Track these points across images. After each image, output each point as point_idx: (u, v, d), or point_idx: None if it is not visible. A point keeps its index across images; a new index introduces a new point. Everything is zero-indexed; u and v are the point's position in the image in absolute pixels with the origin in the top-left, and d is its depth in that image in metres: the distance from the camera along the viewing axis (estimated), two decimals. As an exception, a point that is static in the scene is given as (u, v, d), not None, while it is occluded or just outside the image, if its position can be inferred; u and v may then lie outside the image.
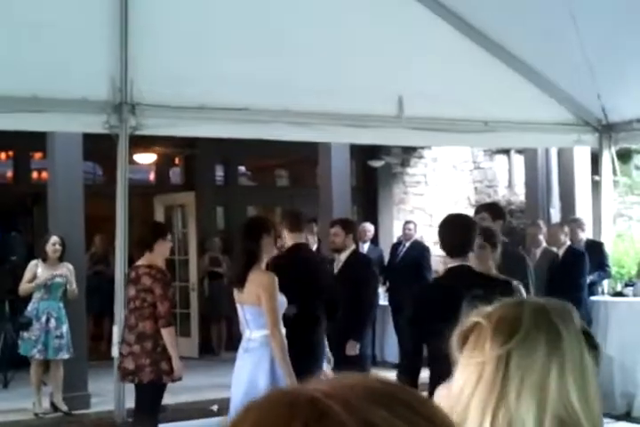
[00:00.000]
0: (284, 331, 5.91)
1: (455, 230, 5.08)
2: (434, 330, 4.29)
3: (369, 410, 0.77)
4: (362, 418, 0.76)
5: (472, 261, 5.03)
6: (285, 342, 5.89)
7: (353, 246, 7.58)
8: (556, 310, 1.50)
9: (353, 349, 7.63)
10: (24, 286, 9.14)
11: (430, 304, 4.92)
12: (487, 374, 1.43)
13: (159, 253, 6.96)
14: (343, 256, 7.53)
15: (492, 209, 7.03)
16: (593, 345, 1.50)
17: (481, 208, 7.19)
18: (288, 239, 6.87)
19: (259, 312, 5.88)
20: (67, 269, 9.15)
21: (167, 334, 6.71)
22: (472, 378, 1.44)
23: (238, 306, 6.00)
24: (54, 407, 9.38)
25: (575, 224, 10.54)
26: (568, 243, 9.54)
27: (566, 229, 10.10)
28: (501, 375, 1.42)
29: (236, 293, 5.98)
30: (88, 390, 9.78)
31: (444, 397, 1.58)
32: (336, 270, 7.44)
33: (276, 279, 5.97)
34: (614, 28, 6.11)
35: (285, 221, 6.89)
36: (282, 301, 6.05)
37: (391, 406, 0.79)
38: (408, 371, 5.17)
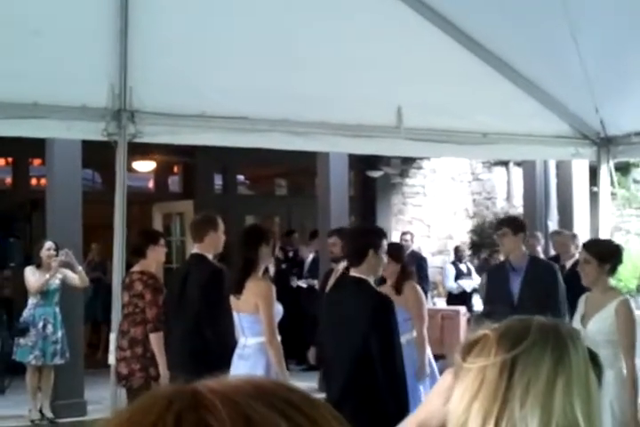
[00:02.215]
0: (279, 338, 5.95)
1: None
2: None
3: (248, 405, 0.78)
4: (239, 411, 0.77)
5: None
6: (282, 349, 5.93)
7: None
8: (564, 327, 1.51)
9: None
10: (37, 285, 9.11)
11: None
12: (490, 379, 1.42)
13: (152, 259, 7.15)
14: (342, 266, 7.51)
15: (513, 224, 7.18)
16: (597, 364, 1.50)
17: (502, 223, 7.36)
18: None
19: (255, 320, 5.91)
20: (60, 273, 9.13)
21: (155, 340, 6.78)
22: (474, 383, 1.43)
23: (234, 313, 6.02)
24: (42, 414, 9.37)
25: (561, 237, 10.55)
26: (577, 255, 9.55)
27: (578, 240, 10.12)
28: (505, 382, 1.41)
29: (232, 300, 6.00)
30: (84, 398, 9.77)
31: (447, 384, 1.57)
32: (334, 280, 7.41)
33: (274, 287, 6.01)
34: (614, 42, 6.12)
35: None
36: (278, 309, 6.09)
37: (275, 404, 0.79)
38: None
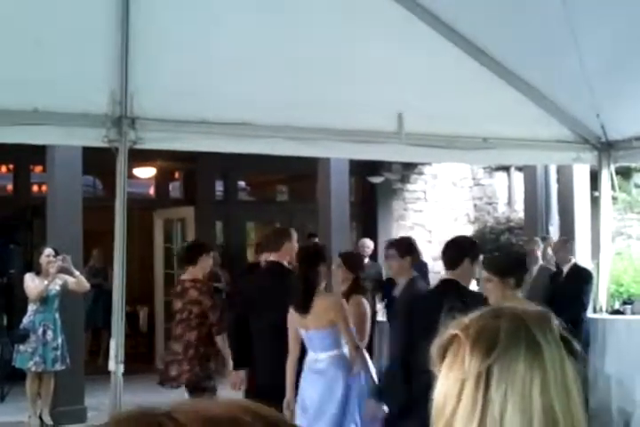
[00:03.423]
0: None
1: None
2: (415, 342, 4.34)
3: None
4: None
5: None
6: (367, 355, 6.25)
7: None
8: (533, 320, 1.49)
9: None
10: (36, 292, 9.10)
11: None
12: (468, 392, 1.41)
13: (201, 268, 7.57)
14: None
15: (399, 246, 7.02)
16: (572, 351, 1.49)
17: (390, 245, 7.20)
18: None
19: (326, 335, 6.06)
20: (60, 279, 9.12)
21: (221, 341, 7.25)
22: (453, 394, 1.43)
23: (301, 330, 6.12)
24: (41, 421, 9.36)
25: (547, 243, 10.57)
26: (574, 260, 9.56)
27: (574, 245, 10.15)
28: (482, 392, 1.41)
29: (297, 318, 6.09)
30: (84, 404, 9.75)
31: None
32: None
33: (342, 299, 6.14)
34: (614, 47, 6.13)
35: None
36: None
37: None
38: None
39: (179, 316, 7.38)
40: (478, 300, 5.03)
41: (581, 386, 1.46)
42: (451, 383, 1.43)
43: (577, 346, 1.49)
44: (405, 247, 7.02)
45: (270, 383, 6.38)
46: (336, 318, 5.96)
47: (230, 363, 7.07)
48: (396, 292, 7.01)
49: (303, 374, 6.17)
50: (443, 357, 1.47)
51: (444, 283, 5.38)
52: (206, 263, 7.62)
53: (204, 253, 7.60)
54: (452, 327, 1.48)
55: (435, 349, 1.48)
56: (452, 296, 4.81)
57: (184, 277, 7.56)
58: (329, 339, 6.04)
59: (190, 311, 7.30)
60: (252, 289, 7.04)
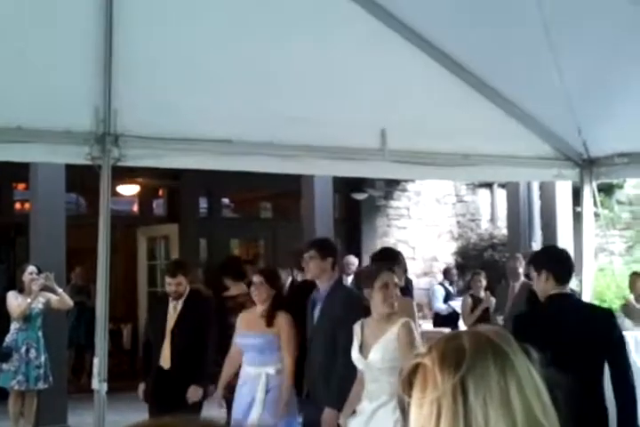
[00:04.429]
0: None
1: None
2: None
3: None
4: None
5: None
6: None
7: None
8: (492, 332, 1.51)
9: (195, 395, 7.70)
10: (19, 310, 9.06)
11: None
12: (446, 407, 1.42)
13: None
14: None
15: (320, 247, 6.88)
16: (530, 355, 1.51)
17: (309, 246, 7.00)
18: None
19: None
20: (43, 297, 9.10)
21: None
22: (432, 416, 1.43)
23: None
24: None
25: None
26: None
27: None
28: (462, 403, 1.41)
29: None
30: (68, 423, 9.70)
31: None
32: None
33: (414, 304, 6.37)
34: (596, 63, 6.17)
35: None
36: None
37: None
38: None
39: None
40: None
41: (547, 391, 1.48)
42: (426, 408, 1.43)
43: (535, 354, 1.51)
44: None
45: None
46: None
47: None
48: (322, 293, 6.74)
49: None
50: (410, 387, 1.47)
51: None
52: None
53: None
54: (412, 359, 1.49)
55: (400, 381, 1.49)
56: None
57: (232, 292, 7.93)
58: None
59: None
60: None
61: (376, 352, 5.62)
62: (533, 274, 5.37)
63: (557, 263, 5.34)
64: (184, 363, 7.54)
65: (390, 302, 5.69)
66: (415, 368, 1.47)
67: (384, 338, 5.61)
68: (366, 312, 5.91)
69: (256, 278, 7.03)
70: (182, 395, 7.40)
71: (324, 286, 6.69)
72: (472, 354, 1.44)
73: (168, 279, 7.74)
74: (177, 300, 7.74)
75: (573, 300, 5.43)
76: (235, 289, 7.84)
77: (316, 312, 6.70)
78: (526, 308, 8.97)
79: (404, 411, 1.50)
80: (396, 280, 5.86)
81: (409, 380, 1.47)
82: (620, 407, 5.06)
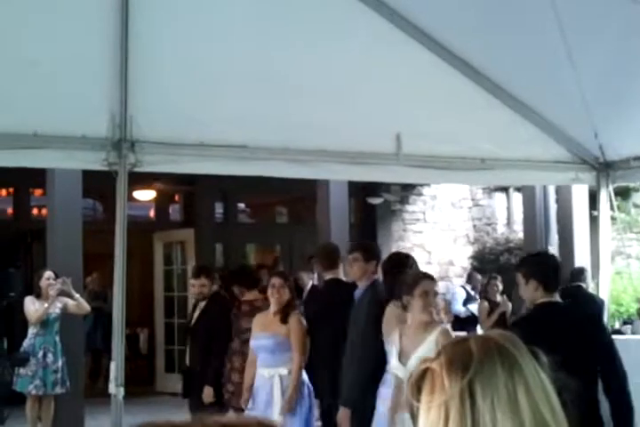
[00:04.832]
0: None
1: None
2: None
3: None
4: None
5: None
6: None
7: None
8: (500, 335, 1.51)
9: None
10: (37, 315, 9.11)
11: None
12: (454, 410, 1.41)
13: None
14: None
15: (364, 249, 6.95)
16: (539, 359, 1.51)
17: (353, 248, 7.07)
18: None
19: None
20: (60, 302, 9.13)
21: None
22: (439, 419, 1.43)
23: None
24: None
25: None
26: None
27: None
28: (469, 407, 1.41)
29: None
30: (84, 428, 9.72)
31: None
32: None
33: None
34: (611, 66, 6.15)
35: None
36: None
37: None
38: None
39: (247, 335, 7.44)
40: None
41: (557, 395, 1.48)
42: (434, 412, 1.43)
43: (544, 358, 1.51)
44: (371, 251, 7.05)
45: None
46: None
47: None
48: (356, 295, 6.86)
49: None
50: (419, 392, 1.47)
51: None
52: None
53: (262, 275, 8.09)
54: (421, 365, 1.49)
55: (409, 387, 1.49)
56: None
57: (248, 297, 7.85)
58: None
59: None
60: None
61: (416, 360, 5.57)
62: (520, 280, 5.28)
63: (547, 272, 5.27)
64: (201, 362, 7.80)
65: (429, 311, 5.66)
66: (424, 373, 1.47)
67: (423, 346, 5.56)
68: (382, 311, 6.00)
69: (276, 281, 7.10)
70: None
71: (362, 287, 6.78)
72: (479, 357, 1.44)
73: (191, 281, 8.18)
74: (201, 301, 8.11)
75: (561, 307, 5.35)
76: (250, 295, 7.89)
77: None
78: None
79: (413, 416, 1.50)
80: (437, 288, 5.88)
81: (417, 385, 1.47)
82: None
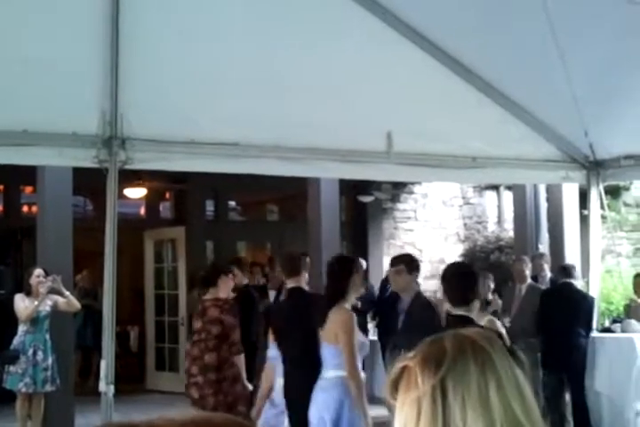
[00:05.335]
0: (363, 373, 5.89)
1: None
2: None
3: None
4: None
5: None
6: (363, 382, 5.86)
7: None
8: (475, 333, 1.51)
9: None
10: (26, 313, 9.08)
11: None
12: (426, 407, 1.42)
13: (223, 288, 7.70)
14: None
15: (408, 262, 7.00)
16: (518, 359, 1.51)
17: (397, 261, 7.10)
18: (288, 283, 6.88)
19: (335, 352, 5.83)
20: (50, 299, 9.11)
21: (240, 361, 7.34)
22: (412, 415, 1.43)
23: (322, 343, 5.98)
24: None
25: (541, 259, 10.57)
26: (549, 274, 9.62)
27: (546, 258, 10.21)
28: (441, 404, 1.41)
29: (319, 329, 5.97)
30: (75, 425, 9.70)
31: None
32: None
33: (355, 318, 5.97)
34: (601, 66, 6.17)
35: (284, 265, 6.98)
36: (364, 343, 6.05)
37: None
38: None
39: (196, 336, 7.46)
40: None
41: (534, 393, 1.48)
42: (407, 408, 1.44)
43: (521, 356, 1.51)
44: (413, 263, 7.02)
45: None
46: (340, 334, 5.78)
47: (247, 384, 7.31)
48: (403, 306, 6.89)
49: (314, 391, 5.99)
50: (395, 390, 1.48)
51: None
52: (227, 284, 7.78)
53: (222, 274, 7.76)
54: (399, 362, 1.50)
55: (387, 384, 1.49)
56: None
57: (206, 297, 7.71)
58: (339, 357, 5.80)
59: (209, 332, 7.36)
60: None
61: None
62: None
63: (450, 286, 5.23)
64: None
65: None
66: (402, 371, 1.48)
67: None
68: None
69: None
70: None
71: (406, 297, 6.83)
72: (453, 355, 1.44)
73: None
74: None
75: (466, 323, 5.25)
76: (209, 294, 7.77)
77: (400, 322, 6.82)
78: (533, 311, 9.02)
79: (392, 413, 1.50)
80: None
81: (395, 382, 1.48)
82: None
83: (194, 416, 0.88)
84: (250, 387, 7.43)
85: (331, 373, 5.90)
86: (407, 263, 6.91)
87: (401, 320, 6.83)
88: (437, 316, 6.24)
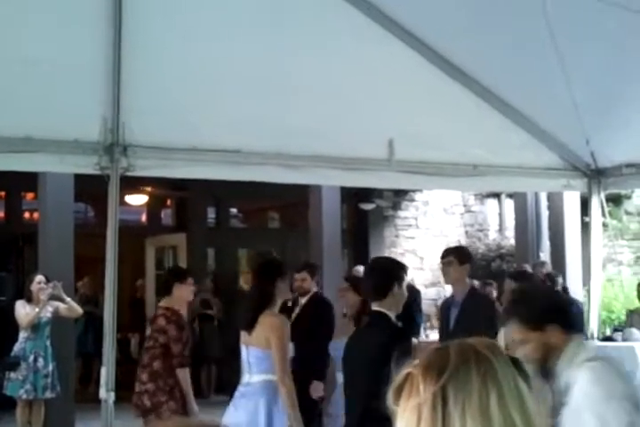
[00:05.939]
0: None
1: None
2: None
3: None
4: None
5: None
6: (294, 389, 5.75)
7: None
8: (480, 343, 1.52)
9: (318, 390, 7.55)
10: (27, 319, 9.09)
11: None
12: (426, 414, 1.42)
13: (178, 297, 7.32)
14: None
15: (458, 253, 6.93)
16: (522, 371, 1.51)
17: (447, 252, 7.04)
18: None
19: (263, 356, 5.78)
20: (51, 306, 9.12)
21: (182, 374, 7.02)
22: (412, 421, 1.44)
23: (243, 347, 5.92)
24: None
25: (542, 267, 10.57)
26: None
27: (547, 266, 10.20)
28: (441, 411, 1.42)
29: (243, 333, 5.91)
30: (75, 433, 9.70)
31: None
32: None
33: (288, 323, 5.94)
34: (603, 72, 6.17)
35: None
36: (290, 347, 6.00)
37: None
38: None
39: (146, 343, 7.30)
40: None
41: (537, 403, 1.48)
42: (408, 414, 1.44)
43: (525, 366, 1.52)
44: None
45: None
46: (272, 339, 5.71)
47: (191, 399, 6.99)
48: (458, 298, 6.73)
49: (234, 397, 5.94)
50: (399, 396, 1.48)
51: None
52: (181, 292, 7.32)
53: (177, 281, 7.29)
54: (404, 369, 1.50)
55: (391, 391, 1.49)
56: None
57: (161, 304, 7.44)
58: (267, 361, 5.74)
59: (156, 340, 7.16)
60: None
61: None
62: None
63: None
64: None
65: None
66: (405, 378, 1.48)
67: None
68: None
69: (343, 284, 7.35)
70: None
71: (459, 292, 6.68)
72: (455, 363, 1.45)
73: (295, 275, 8.20)
74: (301, 297, 8.28)
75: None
76: (165, 302, 7.73)
77: (452, 318, 6.66)
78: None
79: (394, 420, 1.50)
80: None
81: (399, 389, 1.48)
82: None
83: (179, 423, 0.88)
84: (195, 408, 7.11)
85: (256, 377, 5.81)
86: (457, 254, 6.76)
87: (453, 317, 6.62)
88: (497, 313, 6.02)
